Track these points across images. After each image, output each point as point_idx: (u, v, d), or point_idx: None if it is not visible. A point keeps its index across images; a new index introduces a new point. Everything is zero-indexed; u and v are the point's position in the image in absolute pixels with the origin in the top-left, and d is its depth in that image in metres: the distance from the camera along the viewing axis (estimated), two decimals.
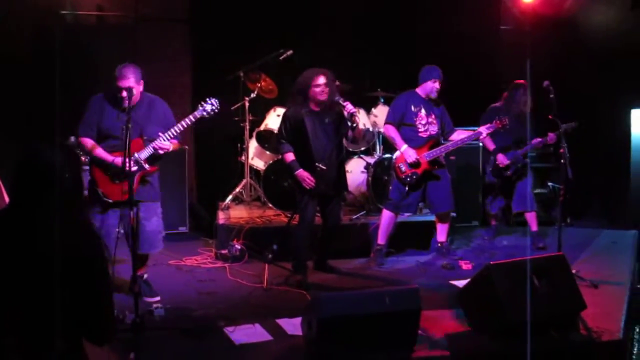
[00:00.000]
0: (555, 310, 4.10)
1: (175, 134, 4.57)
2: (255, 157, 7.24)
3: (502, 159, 6.50)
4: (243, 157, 7.20)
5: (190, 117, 4.59)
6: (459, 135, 6.02)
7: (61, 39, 7.11)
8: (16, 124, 6.26)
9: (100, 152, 4.58)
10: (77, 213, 2.42)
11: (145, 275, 4.96)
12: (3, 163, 6.36)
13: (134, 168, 4.50)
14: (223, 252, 6.06)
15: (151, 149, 4.57)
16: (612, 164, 7.58)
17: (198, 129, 7.82)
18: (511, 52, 8.12)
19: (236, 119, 7.24)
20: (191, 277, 5.61)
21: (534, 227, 6.60)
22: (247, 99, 7.06)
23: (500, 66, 8.26)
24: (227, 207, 7.02)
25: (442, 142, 6.02)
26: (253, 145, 7.19)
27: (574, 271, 4.95)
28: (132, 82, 4.46)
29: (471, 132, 6.00)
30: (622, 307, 4.72)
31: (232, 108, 7.19)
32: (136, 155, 4.52)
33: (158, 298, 4.81)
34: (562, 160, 5.45)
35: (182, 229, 7.17)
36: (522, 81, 6.44)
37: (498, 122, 5.83)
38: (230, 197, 7.11)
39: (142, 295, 4.69)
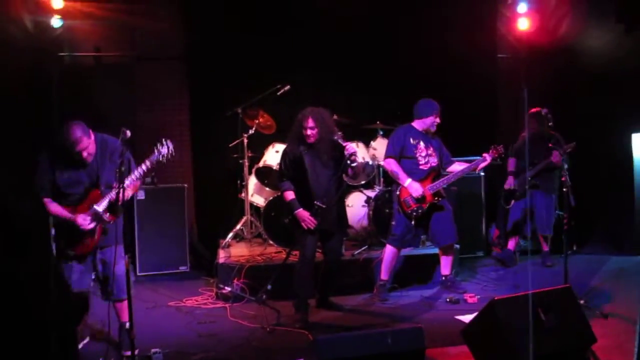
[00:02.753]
0: (563, 345, 3.98)
1: (133, 180, 4.47)
2: (255, 193, 7.18)
3: (509, 182, 6.95)
4: (243, 194, 7.15)
5: (147, 162, 4.49)
6: (459, 166, 5.97)
7: (58, 80, 7.17)
8: (13, 164, 6.23)
9: (56, 208, 4.51)
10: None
11: (127, 324, 4.64)
12: None
13: (92, 225, 4.45)
14: (224, 291, 5.96)
15: (107, 200, 4.48)
16: (616, 189, 7.50)
17: (196, 166, 7.83)
18: (509, 79, 8.13)
19: (235, 155, 7.20)
20: (191, 319, 5.52)
21: (546, 247, 7.04)
22: (245, 135, 7.04)
23: (498, 94, 8.25)
24: (228, 245, 6.95)
25: (442, 173, 5.97)
26: (252, 181, 7.14)
27: (581, 302, 4.87)
28: (85, 139, 4.43)
29: (471, 164, 5.93)
30: (634, 337, 4.59)
31: (231, 145, 7.17)
32: (95, 207, 4.44)
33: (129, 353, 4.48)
34: (564, 189, 5.40)
35: (183, 268, 7.09)
36: (536, 109, 6.55)
37: (494, 151, 5.83)
38: (231, 234, 7.05)
39: (122, 348, 4.60)
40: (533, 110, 6.61)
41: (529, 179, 6.72)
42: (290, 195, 5.31)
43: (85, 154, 4.44)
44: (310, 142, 5.25)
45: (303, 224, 5.19)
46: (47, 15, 7.03)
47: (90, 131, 4.51)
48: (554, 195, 6.89)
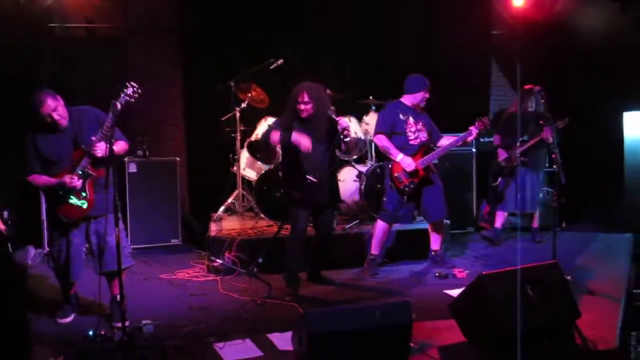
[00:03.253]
0: (549, 320, 4.04)
1: (105, 132, 4.40)
2: (247, 167, 7.19)
3: (501, 154, 6.92)
4: (235, 168, 7.16)
5: (115, 108, 4.37)
6: (448, 141, 5.99)
7: (49, 52, 7.11)
8: (3, 137, 6.22)
9: (44, 179, 4.58)
10: None
11: (118, 297, 4.62)
12: None
13: (79, 182, 4.50)
14: (215, 264, 6.00)
15: (89, 157, 4.51)
16: (606, 168, 7.54)
17: (189, 140, 7.81)
18: (503, 56, 8.12)
19: (227, 129, 7.19)
20: (183, 291, 5.55)
21: (535, 223, 7.14)
22: (237, 109, 7.02)
23: (491, 71, 8.24)
24: (220, 219, 6.98)
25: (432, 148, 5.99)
26: (245, 155, 7.14)
27: (568, 277, 4.92)
28: (50, 100, 4.46)
29: (459, 136, 5.94)
30: (618, 313, 4.67)
31: (223, 118, 7.16)
32: (79, 165, 4.51)
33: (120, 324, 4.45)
34: (554, 166, 5.43)
35: (175, 241, 7.13)
36: (529, 86, 6.61)
37: (480, 123, 5.87)
38: (222, 208, 7.07)
39: (113, 319, 4.64)
40: (527, 86, 6.64)
41: (518, 155, 6.73)
42: (276, 134, 5.24)
43: (56, 116, 4.47)
44: (304, 116, 5.24)
45: (300, 146, 5.11)
46: None
47: (58, 96, 4.53)
48: (541, 173, 6.95)
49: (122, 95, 4.35)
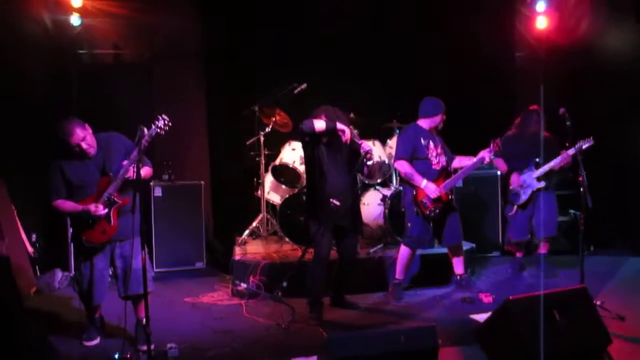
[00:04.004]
0: (578, 346, 3.96)
1: (135, 157, 4.45)
2: (272, 191, 7.21)
3: (515, 179, 6.42)
4: (259, 192, 7.19)
5: (146, 137, 4.42)
6: (460, 162, 5.94)
7: (78, 78, 7.25)
8: (33, 161, 6.33)
9: (70, 205, 4.65)
10: None
11: (144, 320, 4.64)
12: (19, 197, 6.50)
13: (104, 210, 4.57)
14: (239, 288, 6.00)
15: (116, 183, 4.57)
16: (632, 189, 7.41)
17: (213, 164, 7.87)
18: (526, 78, 8.07)
19: (252, 153, 7.25)
20: (207, 315, 5.56)
21: (543, 249, 6.52)
22: (262, 133, 7.08)
23: (514, 92, 8.20)
24: (244, 242, 6.99)
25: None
26: (269, 179, 7.17)
27: (598, 302, 4.84)
28: (79, 130, 4.54)
29: (472, 158, 5.87)
30: None
31: (248, 142, 7.21)
32: (105, 193, 4.58)
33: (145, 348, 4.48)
34: (581, 189, 5.33)
35: (199, 264, 7.16)
36: (535, 106, 6.42)
37: (494, 144, 5.73)
38: (247, 232, 7.09)
39: (138, 343, 4.66)
40: (532, 107, 6.44)
41: (536, 180, 6.35)
42: (320, 121, 5.19)
43: (84, 145, 4.55)
44: (323, 141, 5.25)
45: (345, 132, 5.12)
46: (66, 13, 7.13)
47: (86, 125, 4.61)
48: (554, 192, 6.56)
49: (153, 127, 4.42)
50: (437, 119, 5.87)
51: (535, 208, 6.43)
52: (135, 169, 4.35)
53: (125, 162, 4.53)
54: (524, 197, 6.43)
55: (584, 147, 5.83)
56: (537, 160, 6.33)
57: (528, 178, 6.41)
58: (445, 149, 5.98)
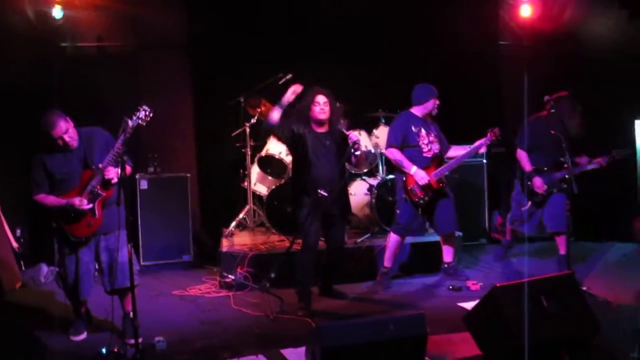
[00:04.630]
0: (566, 332, 3.98)
1: (116, 154, 4.42)
2: (258, 182, 7.19)
3: (540, 185, 6.06)
4: (246, 183, 7.16)
5: (126, 125, 4.37)
6: (456, 151, 5.96)
7: (61, 71, 7.17)
8: (16, 155, 6.27)
9: (52, 200, 4.59)
10: None
11: (131, 313, 4.57)
12: (3, 191, 6.43)
13: (89, 205, 4.52)
14: (227, 280, 5.99)
15: (100, 177, 4.53)
16: (619, 176, 7.45)
17: (199, 156, 7.82)
18: (510, 66, 8.09)
19: (237, 144, 7.21)
20: (195, 307, 5.54)
21: (562, 249, 6.07)
22: (247, 124, 7.04)
23: (499, 81, 8.21)
24: (231, 234, 6.97)
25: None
26: (255, 170, 7.14)
27: (584, 288, 4.87)
28: (62, 122, 4.49)
29: (468, 148, 5.89)
30: (637, 324, 4.60)
31: (233, 134, 7.17)
32: (89, 186, 4.53)
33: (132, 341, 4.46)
34: (567, 175, 5.36)
35: (186, 257, 7.11)
36: (565, 92, 6.12)
37: (492, 134, 5.73)
38: (233, 223, 7.07)
39: (125, 336, 4.64)
40: (562, 93, 6.11)
41: (559, 182, 5.99)
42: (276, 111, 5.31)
43: (67, 138, 4.51)
44: (321, 118, 5.23)
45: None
46: (49, 5, 7.03)
47: (68, 118, 4.56)
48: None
49: (134, 118, 4.37)
50: (430, 105, 5.86)
51: (547, 203, 6.12)
52: (118, 167, 4.30)
53: (106, 159, 4.47)
54: (542, 198, 6.15)
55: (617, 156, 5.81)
56: (562, 159, 5.60)
57: (553, 180, 6.05)
58: (440, 137, 5.98)
